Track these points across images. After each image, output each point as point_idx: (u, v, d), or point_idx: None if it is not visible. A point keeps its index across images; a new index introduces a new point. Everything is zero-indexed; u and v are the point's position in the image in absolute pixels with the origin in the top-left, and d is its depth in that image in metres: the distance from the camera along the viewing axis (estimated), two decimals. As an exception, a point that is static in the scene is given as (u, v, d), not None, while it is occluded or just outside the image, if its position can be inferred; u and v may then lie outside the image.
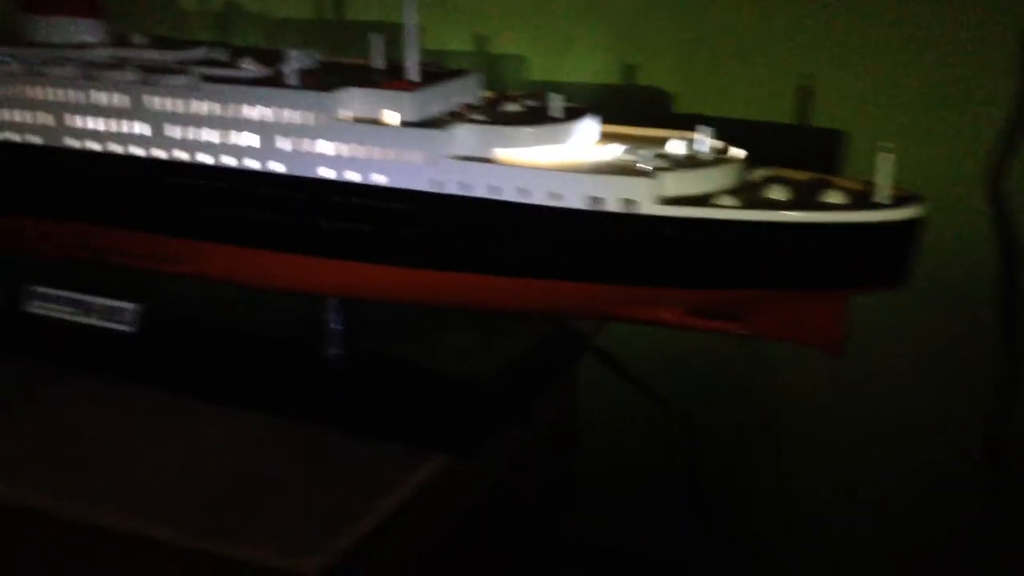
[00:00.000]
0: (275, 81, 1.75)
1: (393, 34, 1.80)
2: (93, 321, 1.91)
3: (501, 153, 1.61)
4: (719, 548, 2.32)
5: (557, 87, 1.87)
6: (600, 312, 1.69)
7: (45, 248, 1.99)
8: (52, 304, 1.95)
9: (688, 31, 2.03)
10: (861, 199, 1.49)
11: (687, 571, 2.39)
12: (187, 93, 1.75)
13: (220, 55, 1.90)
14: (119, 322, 1.90)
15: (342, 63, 1.92)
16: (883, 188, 1.47)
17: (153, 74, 1.79)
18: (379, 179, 1.65)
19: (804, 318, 1.55)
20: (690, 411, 2.24)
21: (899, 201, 1.47)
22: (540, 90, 1.81)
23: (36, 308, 1.97)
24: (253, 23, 2.45)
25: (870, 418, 2.13)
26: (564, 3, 2.14)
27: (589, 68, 2.13)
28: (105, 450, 1.66)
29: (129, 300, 1.92)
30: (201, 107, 1.74)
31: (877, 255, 1.48)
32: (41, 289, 1.97)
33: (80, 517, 1.52)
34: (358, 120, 1.66)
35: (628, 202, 1.50)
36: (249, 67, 1.81)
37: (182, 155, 1.78)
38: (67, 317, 1.93)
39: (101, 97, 1.81)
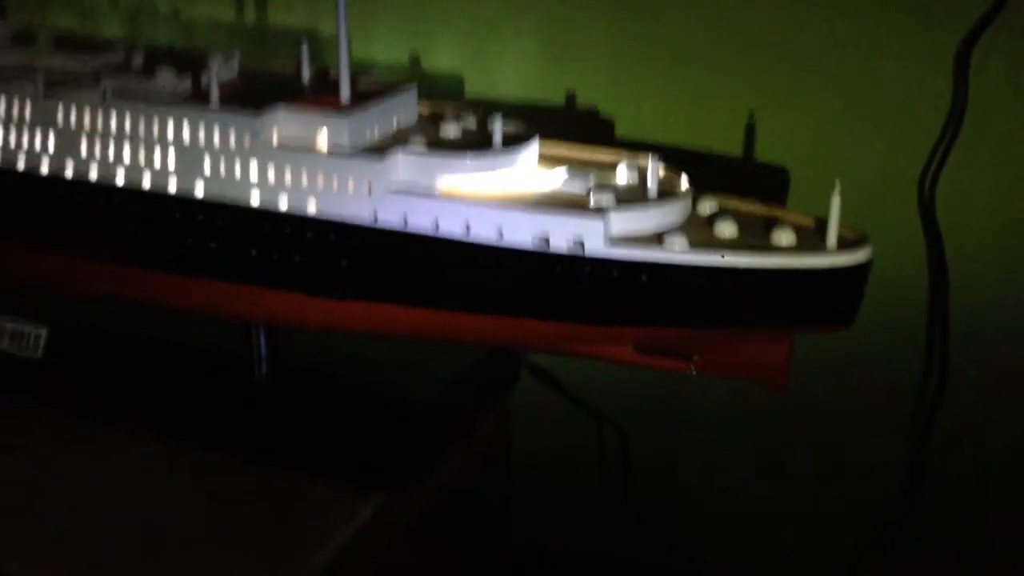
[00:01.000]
0: (197, 98, 1.63)
1: (313, 37, 1.70)
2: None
3: (443, 181, 1.54)
4: (652, 556, 2.34)
5: (489, 101, 1.80)
6: (544, 347, 1.65)
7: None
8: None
9: (621, 44, 1.97)
10: (810, 239, 1.47)
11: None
12: (100, 109, 1.62)
13: (135, 59, 1.76)
14: (26, 347, 1.78)
15: (266, 72, 1.81)
16: (833, 229, 1.46)
17: (61, 85, 1.65)
18: (311, 207, 1.56)
19: (751, 357, 1.54)
20: (623, 424, 2.23)
21: (848, 243, 1.45)
22: (477, 105, 1.73)
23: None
24: (169, 21, 2.29)
25: (796, 424, 2.15)
26: (496, 13, 2.05)
27: (521, 80, 2.06)
28: (7, 493, 1.56)
29: (36, 324, 1.80)
30: (114, 124, 1.62)
31: (826, 297, 1.47)
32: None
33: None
34: (290, 146, 1.56)
35: (577, 243, 1.45)
36: (168, 78, 1.69)
37: (95, 174, 1.65)
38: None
39: (2, 108, 1.67)
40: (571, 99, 2.03)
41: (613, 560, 2.40)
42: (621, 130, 2.01)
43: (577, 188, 1.55)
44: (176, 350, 1.83)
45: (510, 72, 2.06)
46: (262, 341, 1.80)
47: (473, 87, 2.10)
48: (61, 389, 1.76)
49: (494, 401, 1.92)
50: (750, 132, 1.93)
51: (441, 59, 2.12)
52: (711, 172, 1.59)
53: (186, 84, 1.68)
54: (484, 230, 1.48)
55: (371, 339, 1.85)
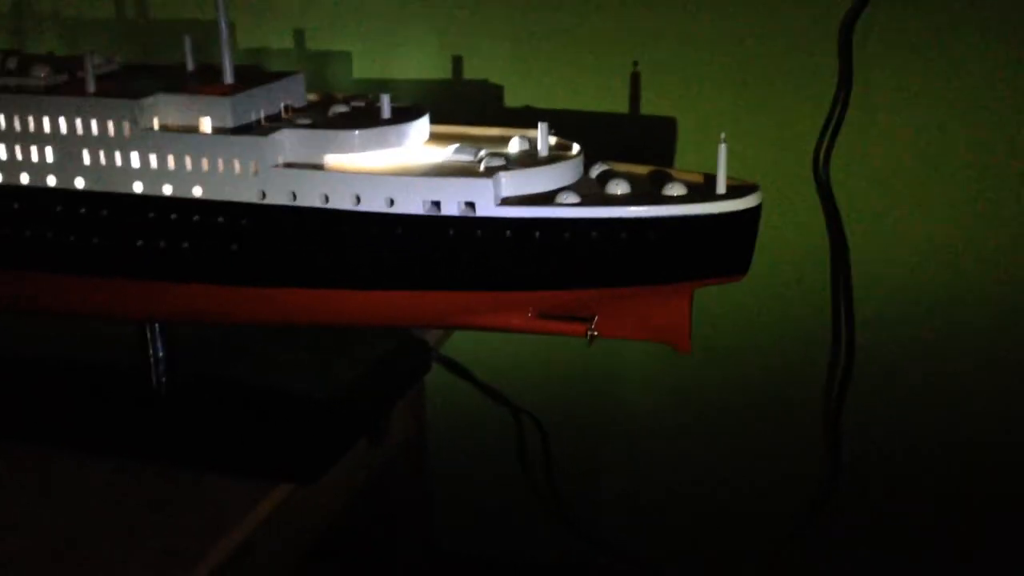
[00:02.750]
0: (73, 88, 1.59)
1: (206, 34, 1.67)
2: None
3: (331, 160, 1.52)
4: (573, 545, 2.31)
5: (384, 85, 1.79)
6: (446, 321, 1.62)
7: None
8: None
9: (516, 23, 1.99)
10: (701, 191, 1.48)
11: (544, 571, 2.37)
12: (-29, 106, 1.57)
13: (11, 63, 1.72)
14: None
15: (148, 66, 1.78)
16: (721, 179, 1.47)
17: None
18: (197, 191, 1.52)
19: (652, 316, 1.53)
20: (536, 413, 2.21)
21: (737, 191, 1.46)
22: (368, 91, 1.72)
23: None
24: (50, 28, 2.25)
25: (713, 408, 2.15)
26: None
27: (416, 64, 2.06)
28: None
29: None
30: (-12, 121, 1.57)
31: (720, 246, 1.47)
32: None
33: None
34: (171, 129, 1.53)
35: (467, 205, 1.43)
36: (43, 74, 1.65)
37: (-31, 175, 1.60)
38: None
39: None
40: (460, 76, 2.04)
41: (538, 566, 2.36)
42: (512, 103, 2.02)
43: (467, 158, 1.54)
44: (66, 359, 1.77)
45: (406, 60, 2.06)
46: (158, 344, 1.74)
47: (366, 73, 2.10)
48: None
49: (403, 394, 1.88)
50: (634, 92, 1.95)
51: (332, 51, 2.11)
52: (601, 136, 1.59)
53: (62, 78, 1.64)
54: (374, 201, 1.46)
55: (272, 337, 1.81)
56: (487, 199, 1.43)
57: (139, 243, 1.56)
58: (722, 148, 1.45)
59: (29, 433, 1.65)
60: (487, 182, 1.43)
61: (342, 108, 1.63)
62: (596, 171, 1.56)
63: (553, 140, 1.59)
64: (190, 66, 1.73)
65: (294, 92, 1.67)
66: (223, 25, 1.57)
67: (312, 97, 1.73)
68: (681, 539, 2.26)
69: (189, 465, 1.57)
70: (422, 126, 1.61)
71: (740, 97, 1.92)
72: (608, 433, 2.25)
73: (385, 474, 1.91)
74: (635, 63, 1.96)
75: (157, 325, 1.72)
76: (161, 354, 1.74)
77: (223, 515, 1.43)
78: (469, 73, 2.05)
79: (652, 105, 1.97)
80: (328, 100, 1.72)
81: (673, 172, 1.54)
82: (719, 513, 2.21)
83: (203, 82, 1.65)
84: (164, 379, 1.73)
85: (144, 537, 1.41)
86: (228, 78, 1.59)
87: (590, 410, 2.20)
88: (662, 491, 2.23)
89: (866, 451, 2.07)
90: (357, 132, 1.52)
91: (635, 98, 1.97)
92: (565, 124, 1.59)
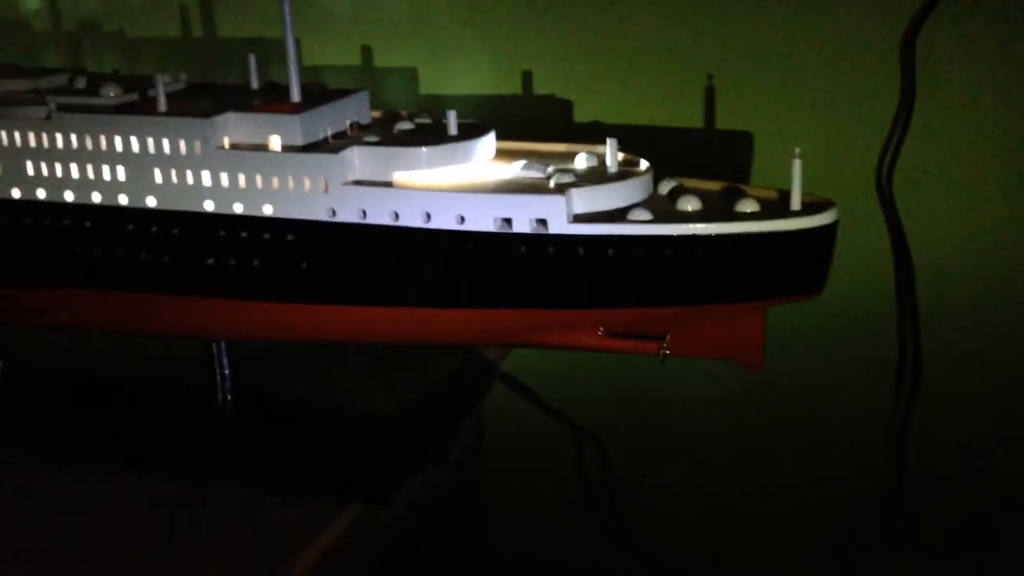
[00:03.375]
0: (143, 107, 1.60)
1: (265, 52, 1.68)
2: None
3: (399, 177, 1.51)
4: (629, 562, 2.27)
5: (448, 101, 1.79)
6: (517, 339, 1.61)
7: None
8: None
9: (586, 37, 1.98)
10: (774, 207, 1.46)
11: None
12: (43, 125, 1.58)
13: (80, 82, 1.74)
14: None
15: (213, 84, 1.79)
16: (796, 195, 1.44)
17: (3, 106, 1.62)
18: (267, 209, 1.53)
19: (724, 334, 1.51)
20: (598, 433, 2.18)
21: (812, 208, 1.44)
22: (431, 107, 1.72)
23: None
24: (110, 46, 2.27)
25: (773, 427, 2.12)
26: (449, 13, 2.06)
27: (481, 80, 2.06)
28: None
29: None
30: (60, 140, 1.58)
31: (794, 264, 1.45)
32: None
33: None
34: (241, 147, 1.53)
35: (539, 222, 1.42)
36: (113, 92, 1.66)
37: (42, 193, 1.61)
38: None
39: None
40: (529, 94, 2.03)
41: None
42: (582, 117, 2.00)
43: (536, 174, 1.53)
44: (134, 378, 1.77)
45: (468, 75, 2.06)
46: (224, 362, 1.75)
47: (431, 89, 2.09)
48: (17, 424, 1.69)
49: (469, 412, 1.87)
50: (709, 107, 1.92)
51: (395, 67, 2.11)
52: (674, 150, 1.57)
53: (132, 97, 1.65)
54: (445, 218, 1.45)
55: (336, 355, 1.81)
56: (559, 216, 1.42)
57: (209, 261, 1.56)
58: (796, 164, 1.43)
59: (98, 451, 1.65)
60: (559, 199, 1.42)
61: (407, 125, 1.63)
62: (666, 187, 1.54)
63: (620, 156, 1.57)
64: (254, 84, 1.73)
65: (359, 109, 1.67)
66: (291, 43, 1.57)
67: (376, 114, 1.73)
68: (743, 558, 2.22)
69: (257, 484, 1.56)
70: (489, 142, 1.60)
71: (811, 112, 1.90)
72: (666, 449, 2.22)
73: (443, 491, 1.90)
74: (710, 76, 1.94)
75: (223, 343, 1.72)
76: (227, 372, 1.74)
77: (295, 534, 1.42)
78: (538, 88, 2.04)
79: (725, 119, 1.95)
80: (392, 117, 1.71)
81: (746, 188, 1.52)
82: (783, 533, 2.17)
83: (268, 100, 1.65)
84: (230, 397, 1.73)
85: (216, 555, 1.40)
86: (295, 96, 1.60)
87: (648, 427, 2.18)
88: (723, 509, 2.19)
89: (932, 464, 2.03)
90: (425, 149, 1.51)
91: (709, 112, 1.95)
92: (634, 139, 1.57)
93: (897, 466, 2.03)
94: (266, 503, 1.51)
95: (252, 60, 1.72)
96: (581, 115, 2.01)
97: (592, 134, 1.60)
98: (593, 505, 2.23)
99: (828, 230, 1.43)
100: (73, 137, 1.56)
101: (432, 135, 1.57)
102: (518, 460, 2.20)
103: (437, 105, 1.70)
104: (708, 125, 1.95)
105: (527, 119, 2.00)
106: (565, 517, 2.24)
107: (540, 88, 2.02)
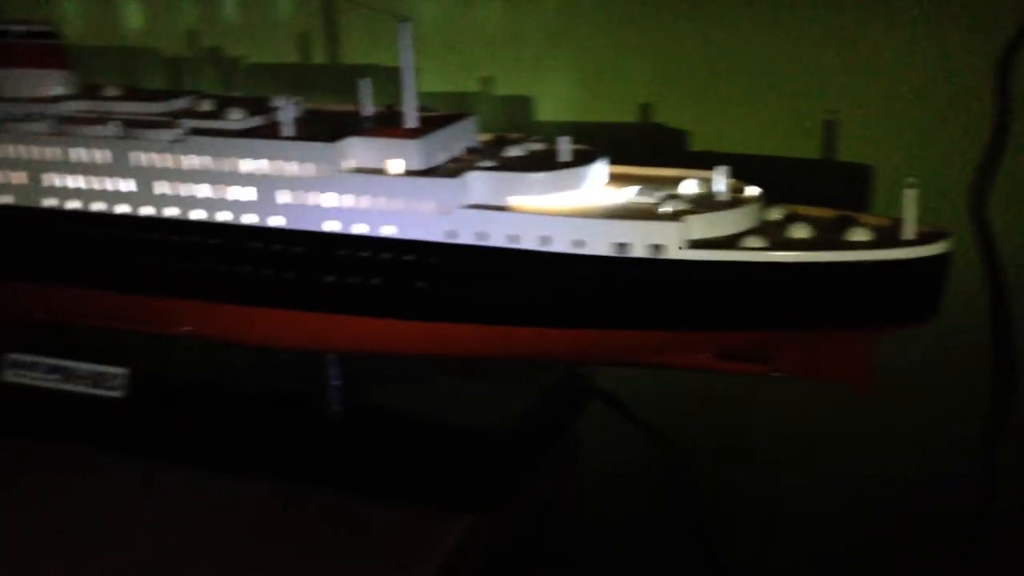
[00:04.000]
0: (269, 132, 1.68)
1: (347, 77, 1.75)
2: (78, 388, 1.81)
3: (514, 200, 1.57)
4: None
5: (562, 128, 1.82)
6: (634, 359, 1.65)
7: (20, 313, 1.88)
8: (30, 372, 1.83)
9: (706, 67, 2.01)
10: (887, 236, 1.48)
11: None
12: (176, 147, 1.66)
13: (205, 105, 1.82)
14: (107, 388, 1.80)
15: (328, 110, 1.86)
16: (909, 224, 1.46)
17: (136, 128, 1.70)
18: (388, 231, 1.58)
19: (833, 358, 1.53)
20: (690, 450, 2.21)
21: (926, 237, 1.46)
22: (544, 133, 1.77)
23: (12, 377, 1.85)
24: (210, 70, 2.35)
25: (866, 446, 2.12)
26: (593, 43, 2.12)
27: (600, 108, 2.10)
28: (98, 533, 1.56)
29: (115, 365, 1.81)
30: (192, 161, 1.66)
31: (905, 292, 1.46)
32: (17, 356, 1.86)
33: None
34: (364, 170, 1.60)
35: (655, 247, 1.46)
36: (237, 116, 1.74)
37: (173, 212, 1.69)
38: (48, 385, 1.81)
39: (81, 153, 1.71)
40: (648, 122, 2.08)
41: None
42: (699, 146, 2.03)
43: (649, 200, 1.57)
44: (254, 390, 1.85)
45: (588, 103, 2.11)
46: (335, 373, 1.81)
47: (548, 116, 2.14)
48: (142, 429, 1.77)
49: (571, 424, 1.91)
50: (828, 138, 1.94)
51: (515, 95, 2.17)
52: (790, 182, 1.61)
53: (257, 121, 1.73)
54: (562, 242, 1.50)
55: (442, 368, 1.86)
56: (674, 241, 1.46)
57: (330, 279, 1.62)
58: (909, 193, 1.45)
59: (209, 460, 1.73)
60: (675, 225, 1.46)
61: (516, 150, 1.69)
62: (777, 214, 1.57)
63: (730, 183, 1.61)
64: (368, 109, 1.80)
65: (469, 134, 1.74)
66: (408, 70, 1.63)
67: (484, 138, 1.78)
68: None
69: (366, 494, 1.62)
70: (601, 169, 1.65)
71: (925, 144, 1.91)
72: (755, 466, 2.24)
73: (538, 502, 1.94)
74: (835, 112, 1.96)
75: (336, 356, 1.78)
76: (338, 383, 1.81)
77: (415, 541, 1.48)
78: (658, 116, 2.08)
79: (843, 150, 1.97)
80: (500, 141, 1.77)
81: (859, 216, 1.54)
82: (871, 545, 2.18)
83: (381, 124, 1.72)
84: (340, 408, 1.80)
85: (327, 565, 1.46)
86: (412, 121, 1.66)
87: (739, 445, 2.20)
88: (811, 531, 2.20)
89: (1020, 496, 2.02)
90: (542, 175, 1.56)
91: (830, 144, 1.96)
92: (748, 168, 1.60)
93: (985, 496, 2.03)
94: (383, 512, 1.56)
95: (366, 85, 1.79)
96: (698, 143, 2.05)
97: (703, 162, 1.64)
98: (679, 518, 2.26)
99: (940, 260, 1.44)
100: (204, 159, 1.64)
101: (544, 161, 1.62)
102: (609, 470, 2.24)
103: (547, 133, 1.75)
104: (826, 157, 1.97)
105: (644, 145, 2.04)
106: (654, 529, 2.27)
107: (660, 116, 2.06)
